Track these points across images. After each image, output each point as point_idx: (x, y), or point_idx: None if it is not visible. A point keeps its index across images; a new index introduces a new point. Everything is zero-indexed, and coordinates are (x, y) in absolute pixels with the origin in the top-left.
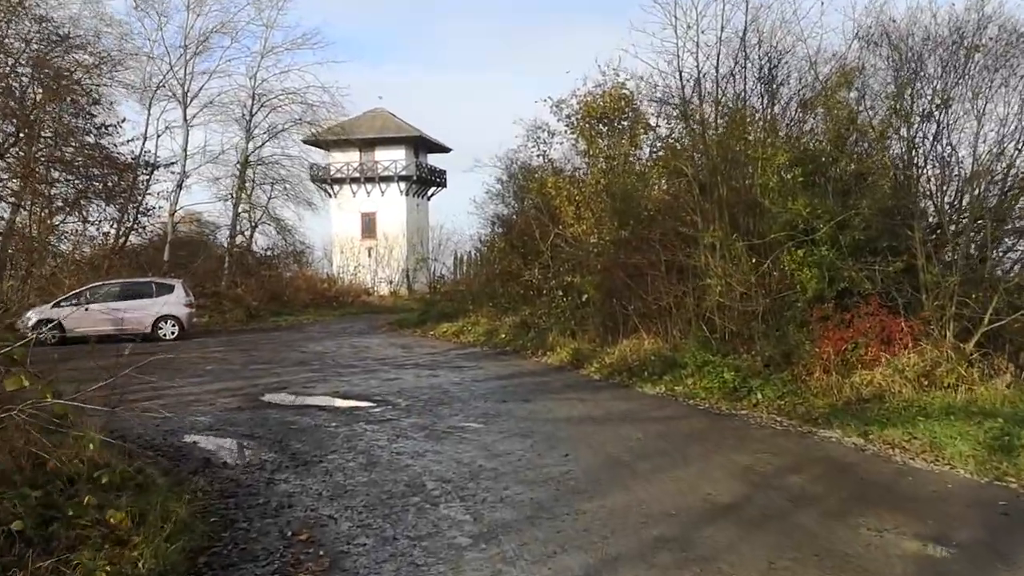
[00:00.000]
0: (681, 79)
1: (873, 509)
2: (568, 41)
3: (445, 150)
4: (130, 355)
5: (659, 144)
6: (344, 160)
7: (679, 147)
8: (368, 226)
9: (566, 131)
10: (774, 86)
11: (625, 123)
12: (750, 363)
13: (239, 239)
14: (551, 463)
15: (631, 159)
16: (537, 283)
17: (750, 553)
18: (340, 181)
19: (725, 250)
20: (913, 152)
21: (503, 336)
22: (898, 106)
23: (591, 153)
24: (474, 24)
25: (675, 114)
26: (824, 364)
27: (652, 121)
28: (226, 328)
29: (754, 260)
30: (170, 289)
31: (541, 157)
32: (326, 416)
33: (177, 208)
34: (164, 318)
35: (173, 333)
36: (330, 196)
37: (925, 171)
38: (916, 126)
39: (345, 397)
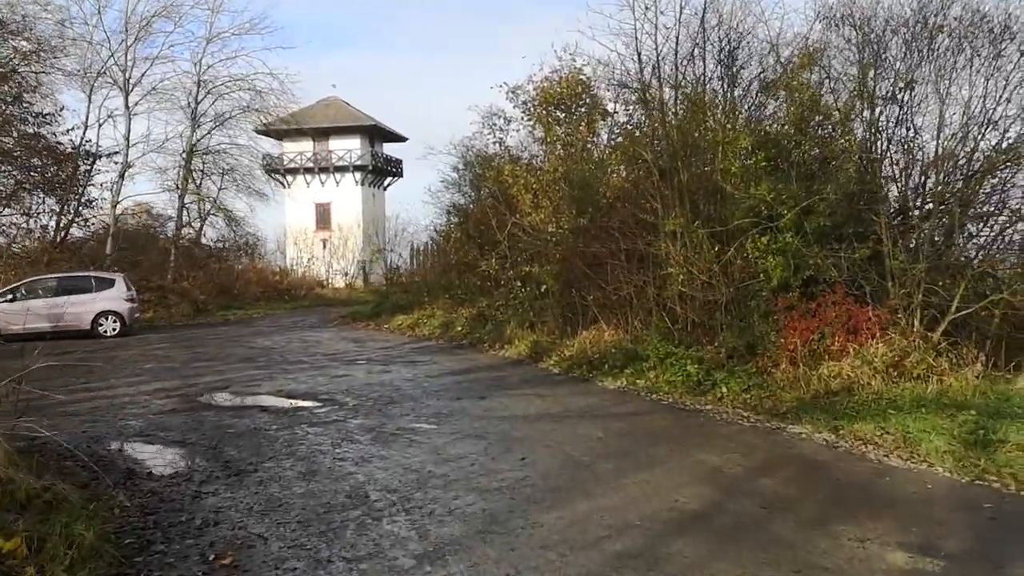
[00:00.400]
0: (640, 62)
1: (852, 515)
2: (537, 31)
3: (401, 139)
4: (62, 354)
5: (617, 131)
6: (297, 150)
7: (638, 133)
8: (323, 217)
9: (523, 118)
10: (735, 68)
11: (582, 109)
12: (713, 355)
13: (188, 231)
14: (506, 467)
15: (589, 146)
16: (494, 274)
17: (723, 570)
18: (293, 171)
19: (687, 238)
20: (877, 135)
21: (459, 329)
22: (861, 88)
23: (548, 140)
24: (438, 13)
25: (634, 99)
26: (790, 355)
27: (610, 107)
28: (172, 323)
29: (717, 248)
30: (110, 283)
31: (497, 144)
32: (267, 418)
33: (119, 199)
34: (104, 314)
35: (114, 329)
36: (283, 187)
37: (889, 155)
38: (880, 109)
39: (289, 396)
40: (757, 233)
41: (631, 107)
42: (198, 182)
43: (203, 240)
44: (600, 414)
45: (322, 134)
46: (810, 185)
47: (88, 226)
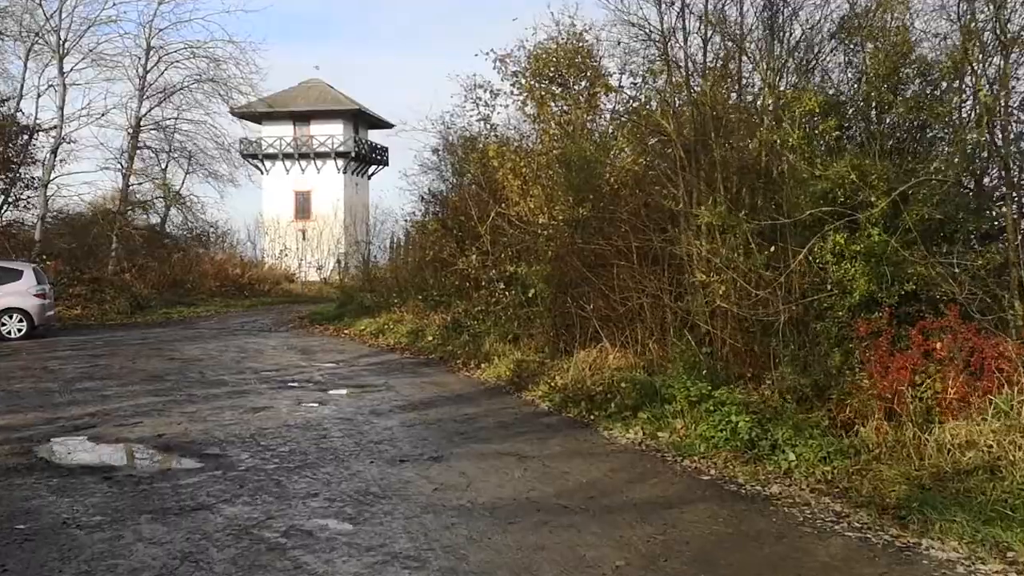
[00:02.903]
0: (660, 6)
1: None
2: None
3: (387, 126)
4: None
5: (623, 108)
6: (277, 134)
7: (654, 104)
8: (302, 206)
9: (512, 91)
10: (790, 9)
11: (583, 83)
12: (767, 397)
13: (135, 216)
14: None
15: (590, 125)
16: (474, 273)
17: None
18: (272, 157)
19: (722, 234)
20: (997, 96)
21: (429, 339)
22: (973, 30)
23: (541, 117)
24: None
25: (650, 55)
26: (885, 406)
27: (616, 80)
28: (103, 322)
29: (772, 248)
30: (17, 275)
31: (482, 122)
32: (101, 496)
33: (51, 178)
34: (8, 311)
35: (20, 330)
36: (261, 173)
37: (1013, 122)
38: (1012, 57)
39: (166, 448)
40: (831, 229)
41: (642, 78)
42: (164, 165)
43: (155, 228)
44: (612, 503)
45: (303, 118)
46: (900, 163)
47: (28, 208)
